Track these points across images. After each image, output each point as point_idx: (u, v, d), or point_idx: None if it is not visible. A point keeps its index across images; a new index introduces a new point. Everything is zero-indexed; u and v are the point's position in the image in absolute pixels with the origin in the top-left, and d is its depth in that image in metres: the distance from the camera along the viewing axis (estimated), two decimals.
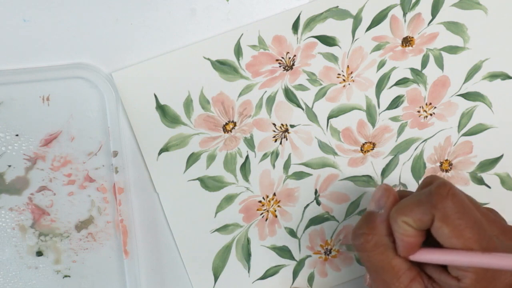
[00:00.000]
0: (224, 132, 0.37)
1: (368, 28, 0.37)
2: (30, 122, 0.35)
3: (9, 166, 0.35)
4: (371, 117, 0.39)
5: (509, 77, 0.40)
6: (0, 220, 0.36)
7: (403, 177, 0.40)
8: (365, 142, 0.39)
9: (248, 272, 0.39)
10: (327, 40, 0.37)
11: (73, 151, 0.36)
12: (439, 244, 0.29)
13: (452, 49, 0.39)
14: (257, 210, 0.38)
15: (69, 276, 0.37)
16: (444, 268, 0.29)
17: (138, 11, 0.35)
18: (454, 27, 0.38)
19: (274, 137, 0.38)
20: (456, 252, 0.27)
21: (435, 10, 0.38)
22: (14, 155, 0.35)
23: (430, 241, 0.29)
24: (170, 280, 0.38)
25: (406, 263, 0.30)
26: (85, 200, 0.36)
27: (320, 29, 0.37)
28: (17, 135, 0.35)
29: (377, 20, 0.37)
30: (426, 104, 0.39)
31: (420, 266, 0.30)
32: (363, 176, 0.39)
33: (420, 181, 0.40)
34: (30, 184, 0.36)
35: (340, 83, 0.38)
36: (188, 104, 0.36)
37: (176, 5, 0.36)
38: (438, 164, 0.40)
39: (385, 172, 0.40)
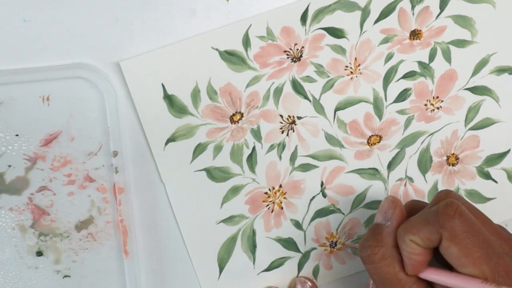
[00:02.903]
0: (231, 123, 0.37)
1: (376, 21, 0.37)
2: (30, 122, 0.35)
3: (9, 166, 0.35)
4: (378, 109, 0.39)
5: None
6: (0, 220, 0.36)
7: (410, 170, 0.40)
8: (372, 135, 0.39)
9: (253, 263, 0.39)
10: (335, 32, 0.37)
11: (73, 151, 0.36)
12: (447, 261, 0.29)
13: (460, 43, 0.39)
14: (263, 201, 0.38)
15: (69, 276, 0.36)
16: None
17: (138, 11, 0.35)
18: (462, 20, 0.38)
19: (281, 128, 0.38)
20: (467, 279, 0.27)
21: (443, 4, 0.38)
22: (14, 155, 0.35)
23: (438, 256, 0.29)
24: (170, 280, 0.38)
25: (413, 276, 0.30)
26: (85, 200, 0.36)
27: (328, 21, 0.37)
28: (17, 135, 0.35)
29: (385, 13, 0.37)
30: (433, 98, 0.39)
31: (428, 281, 0.30)
32: (369, 169, 0.39)
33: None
34: (30, 184, 0.36)
35: (347, 75, 0.38)
36: (195, 94, 0.36)
37: (176, 5, 0.36)
38: (445, 158, 0.40)
39: (391, 165, 0.40)
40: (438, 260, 0.30)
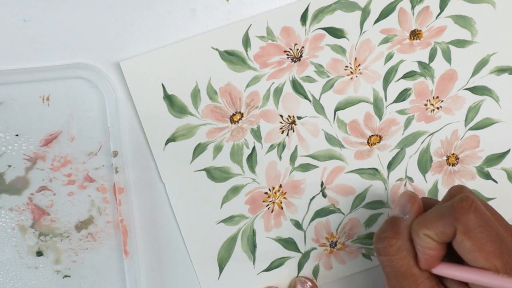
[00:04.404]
0: (231, 123, 0.37)
1: (376, 21, 0.37)
2: (30, 122, 0.35)
3: (9, 166, 0.35)
4: (378, 109, 0.39)
5: None
6: (0, 220, 0.36)
7: (410, 170, 0.40)
8: (372, 135, 0.39)
9: (253, 263, 0.39)
10: (335, 32, 0.37)
11: (73, 151, 0.36)
12: (460, 257, 0.29)
13: (460, 43, 0.39)
14: (263, 201, 0.38)
15: (69, 276, 0.36)
16: (463, 283, 0.29)
17: (138, 11, 0.35)
18: (462, 20, 0.38)
19: (281, 128, 0.38)
20: (480, 272, 0.27)
21: (443, 3, 0.38)
22: (14, 155, 0.35)
23: (450, 254, 0.30)
24: (170, 280, 0.38)
25: (426, 271, 0.30)
26: (85, 200, 0.36)
27: (329, 21, 0.37)
28: (17, 135, 0.35)
29: (385, 13, 0.37)
30: (433, 98, 0.39)
31: (439, 278, 0.30)
32: (369, 169, 0.39)
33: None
34: (30, 184, 0.36)
35: (347, 75, 0.38)
36: (195, 95, 0.36)
37: (176, 5, 0.36)
38: (445, 158, 0.40)
39: (391, 165, 0.40)
40: (449, 259, 0.30)
